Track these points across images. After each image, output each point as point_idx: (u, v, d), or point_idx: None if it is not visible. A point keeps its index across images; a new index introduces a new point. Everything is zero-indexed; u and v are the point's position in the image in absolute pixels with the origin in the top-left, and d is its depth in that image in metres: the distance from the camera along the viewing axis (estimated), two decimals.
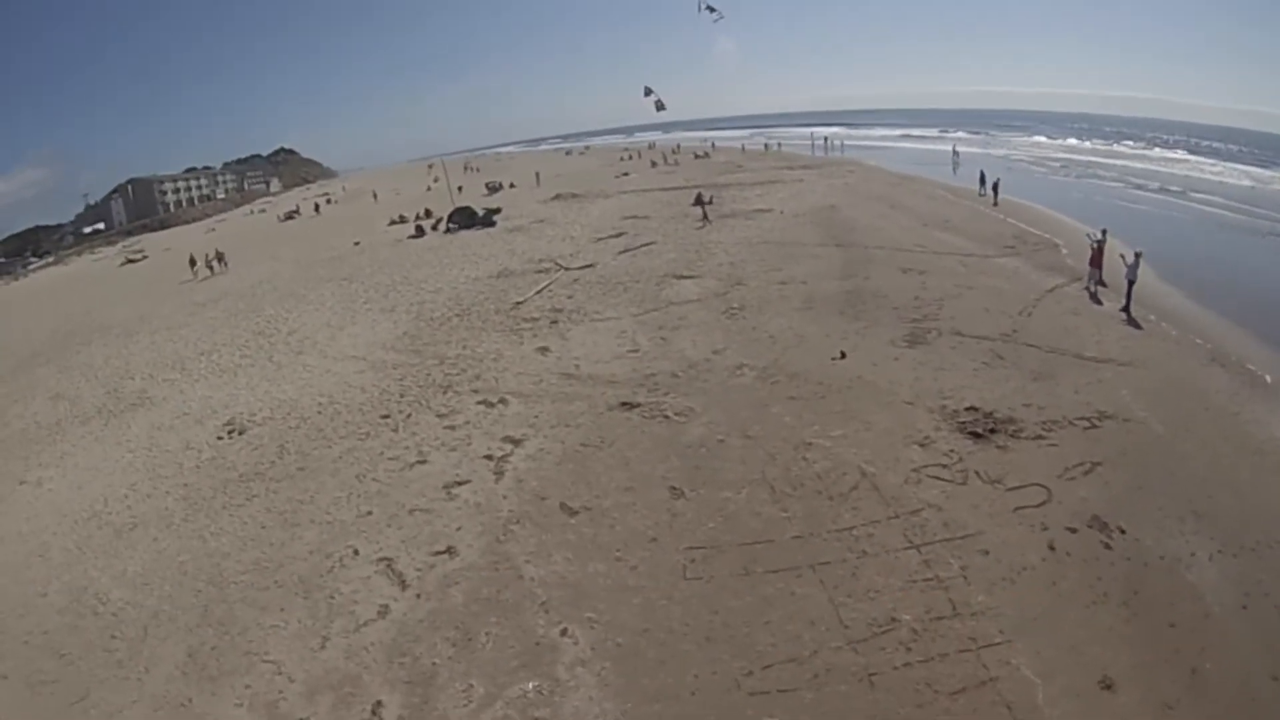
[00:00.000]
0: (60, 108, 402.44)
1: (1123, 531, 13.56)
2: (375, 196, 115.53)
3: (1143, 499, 14.40)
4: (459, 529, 15.63)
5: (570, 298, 32.18)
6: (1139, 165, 72.81)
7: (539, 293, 33.40)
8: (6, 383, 39.66)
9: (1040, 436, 16.86)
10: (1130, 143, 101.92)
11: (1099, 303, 26.56)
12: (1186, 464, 15.64)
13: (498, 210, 61.51)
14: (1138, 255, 25.42)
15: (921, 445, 16.73)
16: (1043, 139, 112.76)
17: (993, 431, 17.07)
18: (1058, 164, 75.70)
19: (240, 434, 22.98)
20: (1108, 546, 13.22)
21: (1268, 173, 68.43)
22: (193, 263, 60.87)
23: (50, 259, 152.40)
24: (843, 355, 21.89)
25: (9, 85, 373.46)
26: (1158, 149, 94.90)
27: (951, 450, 16.41)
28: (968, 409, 18.16)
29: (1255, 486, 14.80)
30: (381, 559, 15.04)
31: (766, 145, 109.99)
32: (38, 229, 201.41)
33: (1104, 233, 28.75)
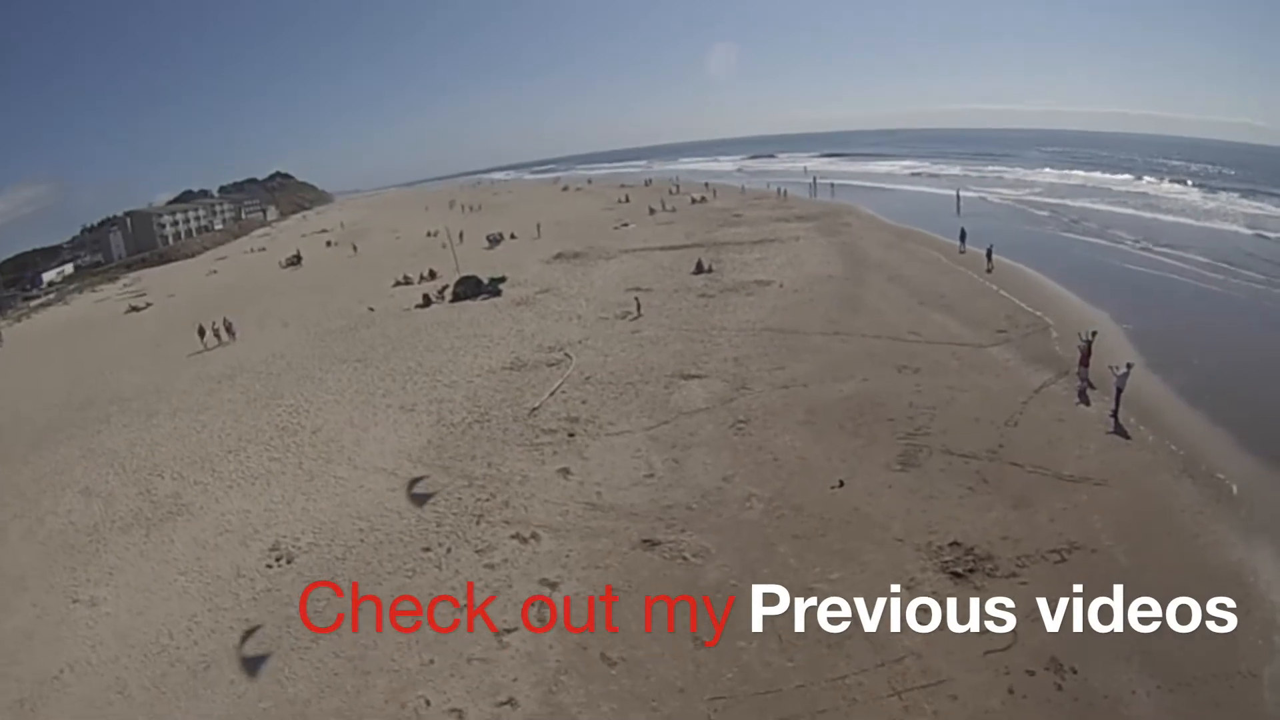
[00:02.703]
0: (53, 128, 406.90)
1: (1074, 671, 16.13)
2: (355, 249, 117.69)
3: (1097, 638, 16.76)
4: (515, 680, 18.12)
5: (584, 403, 34.50)
6: (1130, 212, 74.62)
7: (553, 394, 35.99)
8: (30, 463, 41.66)
9: (1013, 574, 19.32)
10: (1126, 175, 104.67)
11: (1087, 403, 28.87)
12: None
13: (503, 279, 64.48)
14: (1129, 366, 27.56)
15: (908, 588, 19.19)
16: (1032, 174, 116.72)
17: (971, 571, 19.54)
18: (1047, 212, 78.01)
19: (289, 562, 25.12)
20: (1059, 688, 15.82)
21: (1265, 209, 70.48)
22: (201, 333, 62.79)
23: (52, 294, 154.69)
24: (841, 484, 24.43)
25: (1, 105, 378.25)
26: (1151, 179, 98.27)
27: (933, 592, 18.86)
28: (951, 544, 20.65)
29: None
30: (452, 710, 17.54)
31: (783, 191, 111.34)
32: (35, 252, 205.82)
33: (1093, 334, 30.86)
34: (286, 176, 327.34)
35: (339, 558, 24.96)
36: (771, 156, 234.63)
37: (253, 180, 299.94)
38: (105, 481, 36.47)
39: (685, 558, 21.81)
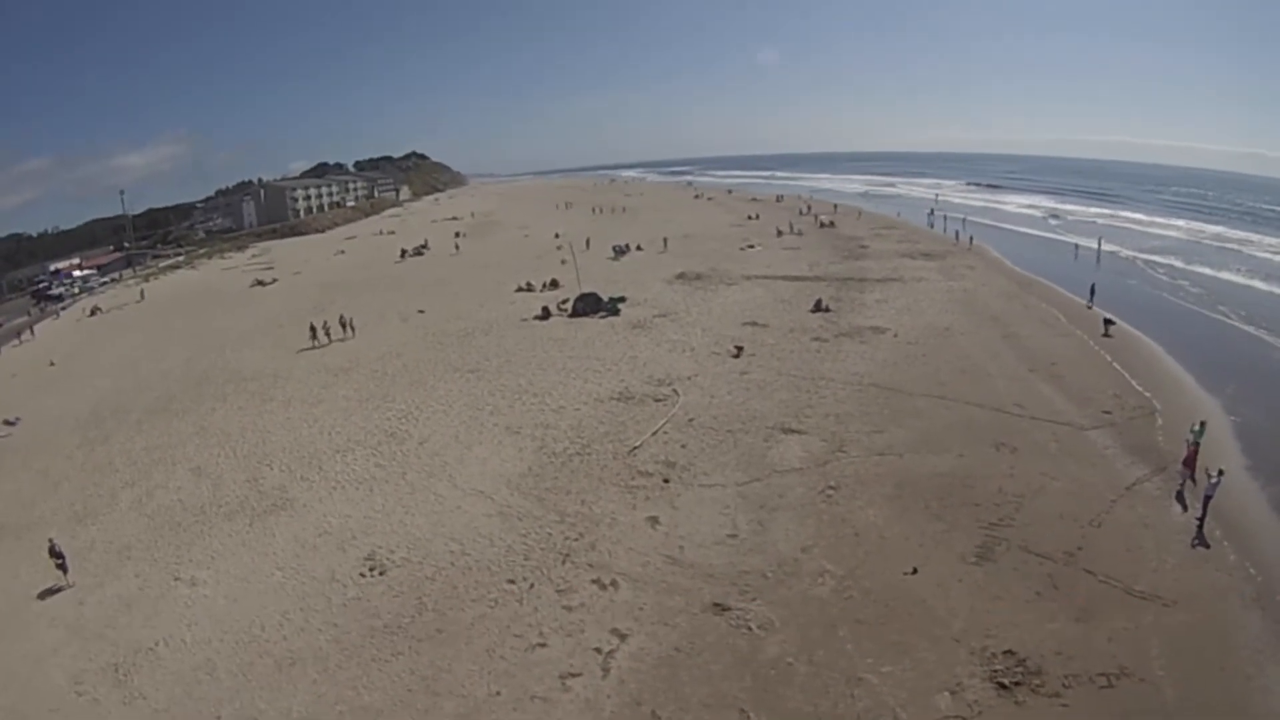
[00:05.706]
0: (194, 87, 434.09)
1: None
2: (457, 248, 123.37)
3: None
4: None
5: (684, 447, 36.18)
6: (1263, 287, 71.97)
7: (655, 435, 37.91)
8: (145, 431, 46.74)
9: (1057, 694, 19.64)
10: (1261, 237, 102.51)
11: (1183, 506, 28.47)
12: None
13: (622, 299, 67.26)
14: (1220, 473, 27.07)
15: (952, 693, 20.03)
16: (1167, 225, 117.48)
17: (1017, 684, 20.04)
18: (1168, 275, 76.68)
19: (381, 574, 27.83)
20: None
21: None
22: (313, 333, 65.33)
23: (181, 256, 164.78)
24: (914, 571, 25.44)
25: (151, 66, 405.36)
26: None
27: (975, 701, 19.69)
28: (1005, 653, 21.18)
29: None
30: None
31: (963, 240, 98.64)
32: (167, 209, 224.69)
33: (1201, 425, 30.72)
34: (422, 157, 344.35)
35: (429, 577, 27.47)
36: (907, 178, 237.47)
37: (388, 158, 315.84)
38: (216, 463, 40.49)
39: (750, 628, 23.33)
